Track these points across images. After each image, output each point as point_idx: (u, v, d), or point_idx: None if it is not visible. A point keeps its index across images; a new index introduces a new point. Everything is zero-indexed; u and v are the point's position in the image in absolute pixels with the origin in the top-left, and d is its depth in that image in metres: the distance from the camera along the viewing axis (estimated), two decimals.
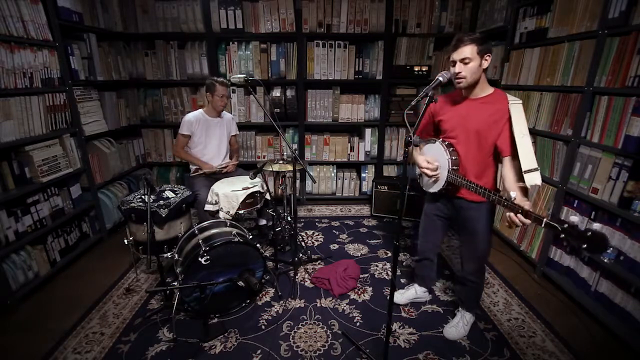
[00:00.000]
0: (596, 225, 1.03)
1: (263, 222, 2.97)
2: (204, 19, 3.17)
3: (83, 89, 2.69)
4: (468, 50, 1.44)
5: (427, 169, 1.64)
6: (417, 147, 1.75)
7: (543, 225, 1.13)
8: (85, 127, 2.70)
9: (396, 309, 2.06)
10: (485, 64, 1.49)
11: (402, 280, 2.36)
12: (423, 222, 1.93)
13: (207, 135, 2.73)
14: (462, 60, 1.46)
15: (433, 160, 1.66)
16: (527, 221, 1.21)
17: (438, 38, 3.35)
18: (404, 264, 2.57)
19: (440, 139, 1.67)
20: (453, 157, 1.58)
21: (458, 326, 1.86)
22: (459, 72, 1.47)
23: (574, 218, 1.09)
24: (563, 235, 1.07)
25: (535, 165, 1.38)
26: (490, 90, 1.58)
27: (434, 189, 1.70)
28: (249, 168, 2.83)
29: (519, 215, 1.24)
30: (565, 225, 1.07)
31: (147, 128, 3.55)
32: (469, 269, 1.79)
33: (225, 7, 3.13)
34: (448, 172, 1.58)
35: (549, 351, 1.77)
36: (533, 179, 1.37)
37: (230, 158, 2.95)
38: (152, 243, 1.95)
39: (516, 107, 1.48)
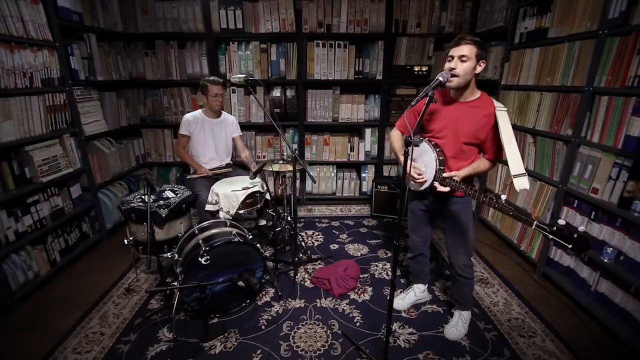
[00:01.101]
0: (581, 228, 1.14)
1: (263, 222, 2.98)
2: (204, 19, 3.17)
3: (83, 89, 2.69)
4: (467, 49, 1.48)
5: (413, 176, 1.66)
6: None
7: (533, 227, 1.22)
8: (85, 127, 2.70)
9: (396, 309, 2.06)
10: (479, 69, 1.53)
11: (402, 281, 2.36)
12: (411, 219, 1.95)
13: (206, 135, 2.73)
14: (460, 57, 1.49)
15: (418, 163, 1.70)
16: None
17: (438, 38, 3.35)
18: (404, 264, 2.56)
19: (426, 138, 1.70)
20: (440, 157, 1.61)
21: (458, 325, 1.87)
22: (454, 69, 1.50)
23: (561, 222, 1.17)
24: (551, 237, 1.17)
25: (523, 171, 1.44)
26: (477, 94, 1.62)
27: (422, 187, 1.71)
28: (249, 168, 2.84)
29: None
30: (554, 228, 1.16)
31: (147, 128, 3.55)
32: (459, 263, 1.80)
33: (225, 7, 3.13)
34: (436, 171, 1.61)
35: (549, 351, 1.77)
36: (522, 184, 1.42)
37: (234, 159, 2.95)
38: (152, 243, 1.95)
39: (502, 114, 1.52)
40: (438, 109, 1.67)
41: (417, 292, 2.10)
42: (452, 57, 1.51)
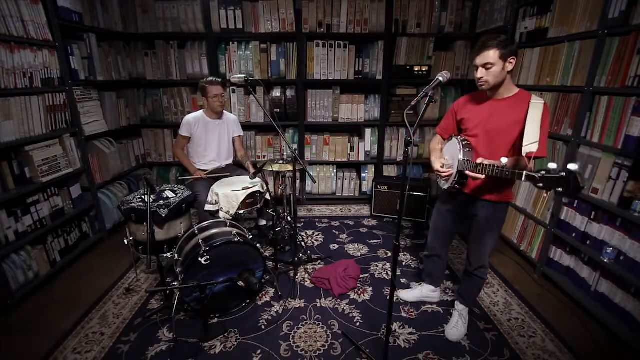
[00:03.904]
0: (571, 166, 1.06)
1: (263, 222, 2.98)
2: (204, 19, 3.17)
3: (83, 89, 2.69)
4: (490, 55, 1.45)
5: (439, 172, 1.69)
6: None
7: (523, 179, 1.23)
8: (85, 127, 2.70)
9: (396, 309, 2.07)
10: (509, 67, 1.48)
11: (402, 280, 2.36)
12: (434, 218, 1.95)
13: (208, 137, 2.72)
14: (484, 65, 1.47)
15: (449, 158, 1.71)
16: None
17: (438, 38, 3.35)
18: (404, 264, 2.57)
19: (459, 137, 1.68)
20: (466, 150, 1.58)
21: (458, 325, 1.87)
22: (481, 77, 1.50)
23: (552, 165, 1.13)
24: (541, 185, 1.15)
25: (536, 139, 1.40)
26: (515, 90, 1.58)
27: (447, 184, 1.70)
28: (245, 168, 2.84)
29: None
30: (542, 173, 1.15)
31: (147, 128, 3.55)
32: (477, 264, 1.79)
33: (225, 7, 3.13)
34: (459, 161, 1.57)
35: (549, 351, 1.77)
36: (530, 148, 1.39)
37: (235, 158, 2.95)
38: (152, 243, 1.95)
39: (535, 105, 1.47)
40: (472, 108, 1.67)
41: (426, 290, 2.13)
42: (477, 67, 1.50)
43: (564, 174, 1.07)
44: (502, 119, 1.55)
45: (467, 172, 1.49)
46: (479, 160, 1.45)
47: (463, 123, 1.71)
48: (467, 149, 1.58)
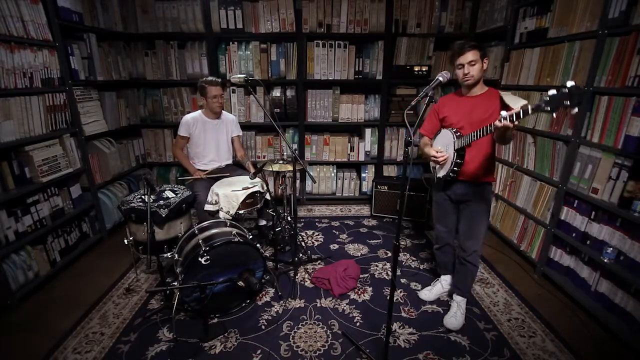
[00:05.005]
0: (568, 83, 1.20)
1: (263, 222, 2.97)
2: (204, 19, 3.17)
3: (83, 89, 2.69)
4: (472, 55, 1.70)
5: (436, 157, 1.80)
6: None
7: (530, 111, 1.33)
8: (85, 127, 2.70)
9: (396, 309, 2.06)
10: (485, 66, 1.75)
11: (402, 281, 2.36)
12: (436, 210, 2.05)
13: (206, 137, 2.72)
14: (469, 63, 1.71)
15: (442, 147, 1.84)
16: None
17: (438, 38, 3.35)
18: (403, 264, 2.57)
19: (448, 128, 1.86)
20: (457, 134, 1.76)
21: (457, 315, 1.91)
22: (468, 73, 1.72)
23: (551, 92, 1.24)
24: (549, 108, 1.25)
25: (524, 102, 1.55)
26: (485, 88, 1.82)
27: (444, 171, 1.82)
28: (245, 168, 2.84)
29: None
30: (546, 98, 1.26)
31: (147, 128, 3.55)
32: (469, 248, 1.87)
33: (225, 7, 3.13)
34: (454, 140, 1.74)
35: (549, 351, 1.77)
36: (521, 103, 1.57)
37: (235, 159, 2.95)
38: (152, 243, 1.95)
39: (507, 95, 1.72)
40: (452, 106, 1.86)
41: (445, 285, 2.17)
42: (462, 65, 1.72)
43: (566, 90, 1.20)
44: (482, 109, 1.75)
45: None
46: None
47: (446, 120, 1.87)
48: (459, 134, 1.76)
